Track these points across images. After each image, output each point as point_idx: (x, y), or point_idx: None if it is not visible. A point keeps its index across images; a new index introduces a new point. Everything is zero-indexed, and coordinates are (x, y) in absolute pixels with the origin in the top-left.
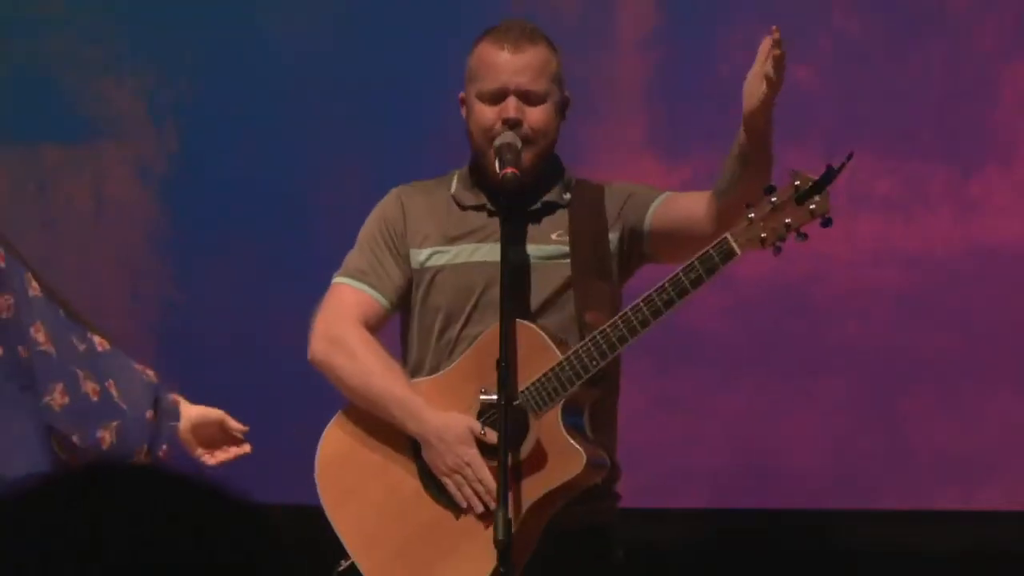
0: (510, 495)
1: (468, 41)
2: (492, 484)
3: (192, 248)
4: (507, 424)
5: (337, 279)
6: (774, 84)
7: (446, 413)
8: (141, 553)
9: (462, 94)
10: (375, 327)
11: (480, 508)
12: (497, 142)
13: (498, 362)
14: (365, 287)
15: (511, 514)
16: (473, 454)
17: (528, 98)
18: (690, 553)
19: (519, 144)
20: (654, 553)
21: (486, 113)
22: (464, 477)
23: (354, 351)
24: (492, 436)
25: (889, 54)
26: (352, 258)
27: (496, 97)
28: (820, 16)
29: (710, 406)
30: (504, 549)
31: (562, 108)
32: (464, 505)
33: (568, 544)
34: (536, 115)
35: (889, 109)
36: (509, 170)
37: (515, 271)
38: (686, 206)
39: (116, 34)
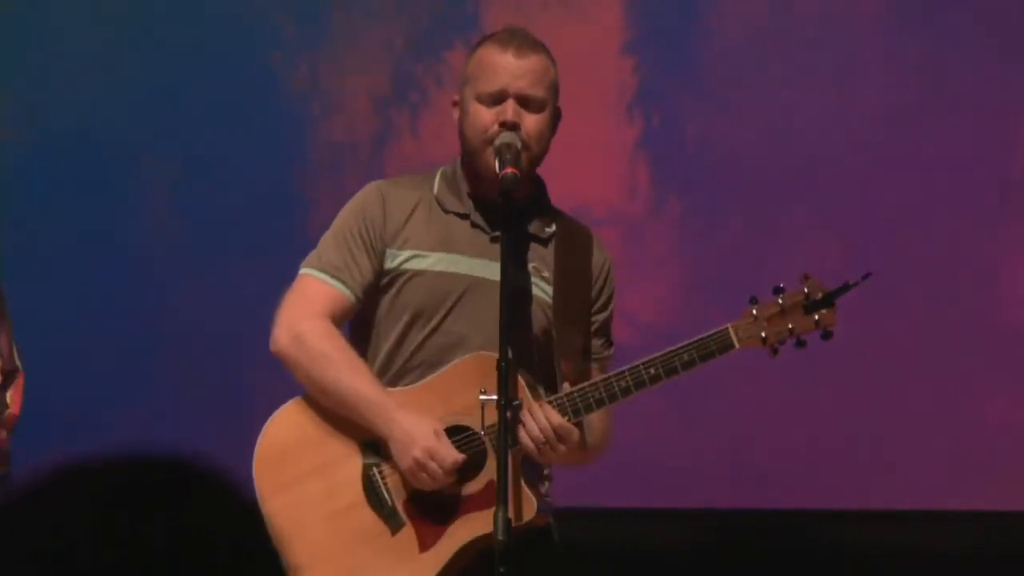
0: (456, 523)
1: (456, 50)
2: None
3: (190, 249)
4: (506, 423)
5: (307, 271)
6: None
7: (417, 415)
8: (143, 539)
9: (456, 96)
10: (340, 322)
11: (435, 518)
12: (498, 142)
13: (498, 362)
14: (336, 283)
15: (454, 543)
16: (440, 447)
17: (527, 103)
18: (690, 553)
19: (519, 145)
20: (654, 553)
21: (483, 115)
22: (429, 473)
23: (322, 347)
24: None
25: (879, 55)
26: (326, 251)
27: (495, 99)
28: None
29: (710, 406)
30: (503, 550)
31: (555, 121)
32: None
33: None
34: (533, 122)
35: (884, 112)
36: (509, 170)
37: (495, 290)
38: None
39: (114, 36)
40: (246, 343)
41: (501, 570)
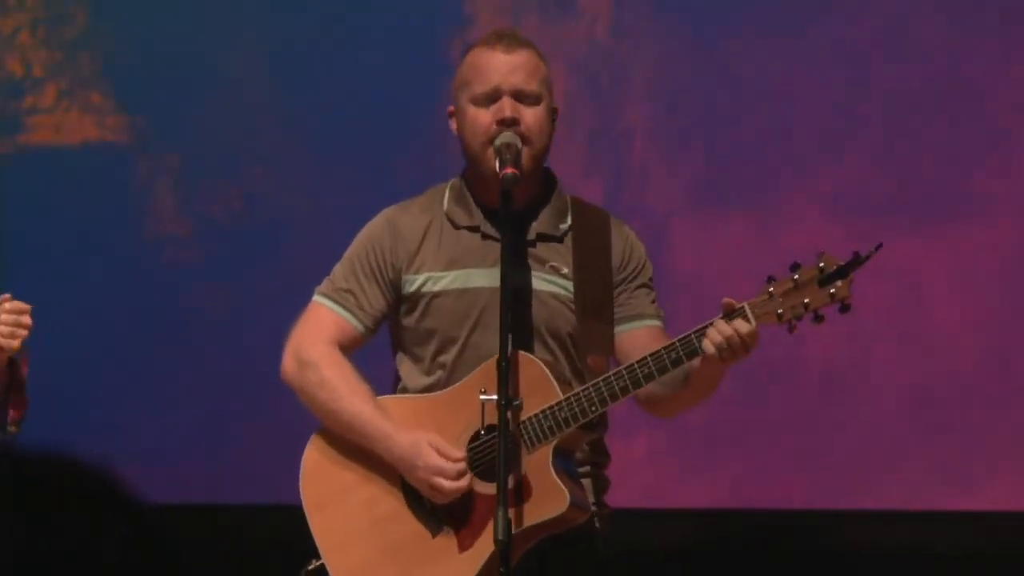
0: (492, 522)
1: (443, 58)
2: (467, 486)
3: (189, 251)
4: (506, 424)
5: (317, 297)
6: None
7: (410, 434)
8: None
9: (451, 107)
10: (349, 350)
11: (472, 519)
12: (497, 141)
13: (498, 362)
14: (342, 310)
15: (491, 542)
16: (438, 474)
17: (523, 98)
18: (690, 553)
19: (519, 144)
20: (654, 553)
21: (481, 116)
22: (442, 491)
23: (323, 374)
24: (453, 452)
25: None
26: (335, 278)
27: (490, 98)
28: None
29: (710, 407)
30: (504, 549)
31: (553, 115)
32: (447, 527)
33: (557, 549)
34: (532, 115)
35: (879, 114)
36: (509, 170)
37: (514, 295)
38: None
39: (109, 44)
40: (257, 351)
41: (501, 570)
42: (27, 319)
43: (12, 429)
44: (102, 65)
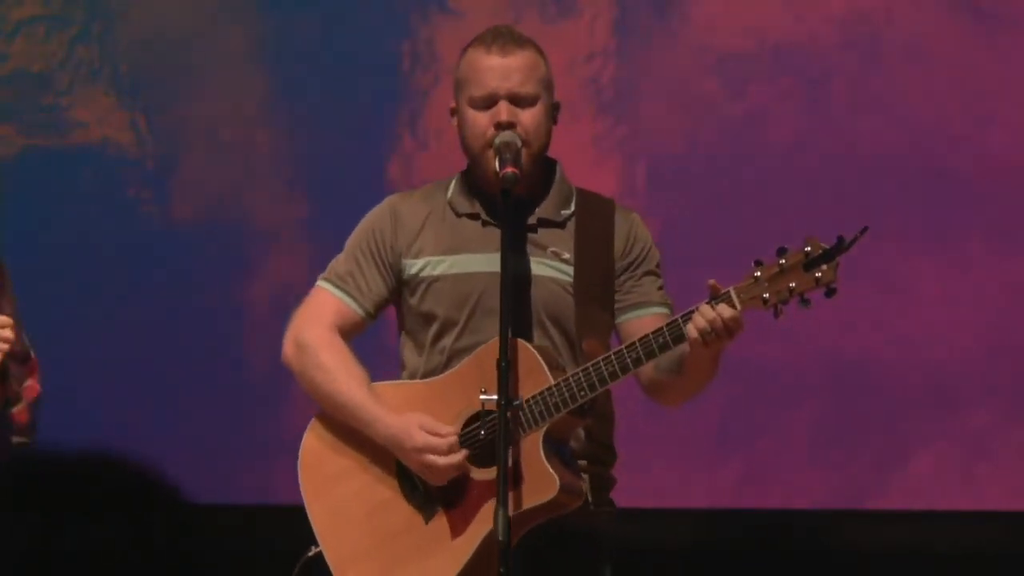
0: (484, 508)
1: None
2: (460, 462)
3: (186, 250)
4: (506, 423)
5: (319, 282)
6: (711, 345)
7: (400, 417)
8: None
9: (452, 104)
10: (349, 334)
11: (465, 505)
12: (497, 141)
13: (498, 362)
14: (343, 295)
15: (484, 528)
16: (429, 452)
17: (519, 101)
18: (691, 553)
19: (519, 143)
20: (654, 553)
21: (478, 120)
22: (435, 469)
23: (320, 357)
24: (442, 428)
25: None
26: (336, 263)
27: (487, 103)
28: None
29: (710, 406)
30: (504, 548)
31: (553, 112)
32: (438, 509)
33: (557, 546)
34: (528, 118)
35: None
36: (509, 169)
37: (513, 281)
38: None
39: (108, 48)
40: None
41: (501, 570)
42: (8, 333)
43: (21, 439)
44: (102, 64)
